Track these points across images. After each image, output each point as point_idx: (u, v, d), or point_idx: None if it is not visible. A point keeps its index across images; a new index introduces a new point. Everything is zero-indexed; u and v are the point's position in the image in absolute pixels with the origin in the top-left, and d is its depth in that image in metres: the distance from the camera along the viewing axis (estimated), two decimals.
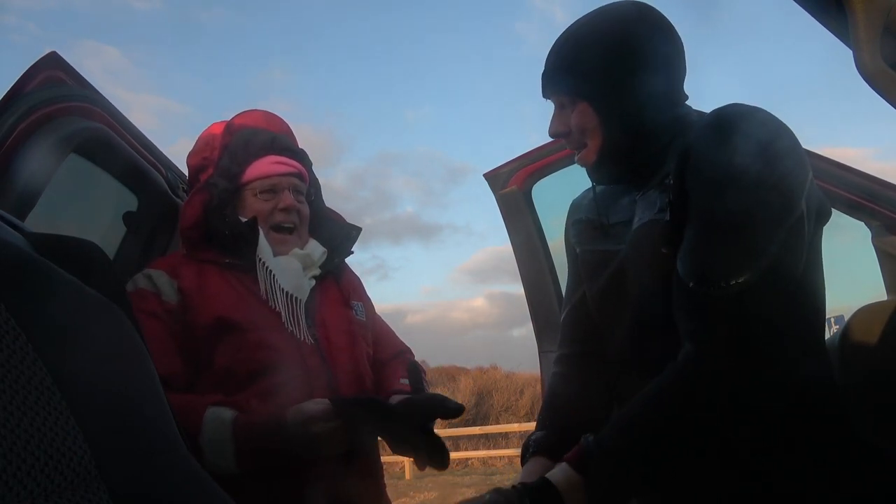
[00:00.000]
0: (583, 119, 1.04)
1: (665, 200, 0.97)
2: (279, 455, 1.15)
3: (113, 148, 1.55)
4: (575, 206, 1.26)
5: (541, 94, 1.11)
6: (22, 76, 1.31)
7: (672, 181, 0.96)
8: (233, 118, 1.46)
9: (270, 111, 1.51)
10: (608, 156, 1.05)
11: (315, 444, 1.15)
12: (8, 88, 1.29)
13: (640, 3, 1.05)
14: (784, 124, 0.94)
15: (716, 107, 1.06)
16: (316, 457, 1.17)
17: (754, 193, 0.88)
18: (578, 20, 1.07)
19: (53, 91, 1.35)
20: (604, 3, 1.08)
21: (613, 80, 1.00)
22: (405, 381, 1.39)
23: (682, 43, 1.05)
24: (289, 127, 1.52)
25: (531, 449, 1.14)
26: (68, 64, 1.42)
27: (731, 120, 0.93)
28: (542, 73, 1.09)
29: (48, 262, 0.50)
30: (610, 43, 1.01)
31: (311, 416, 1.15)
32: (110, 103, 1.55)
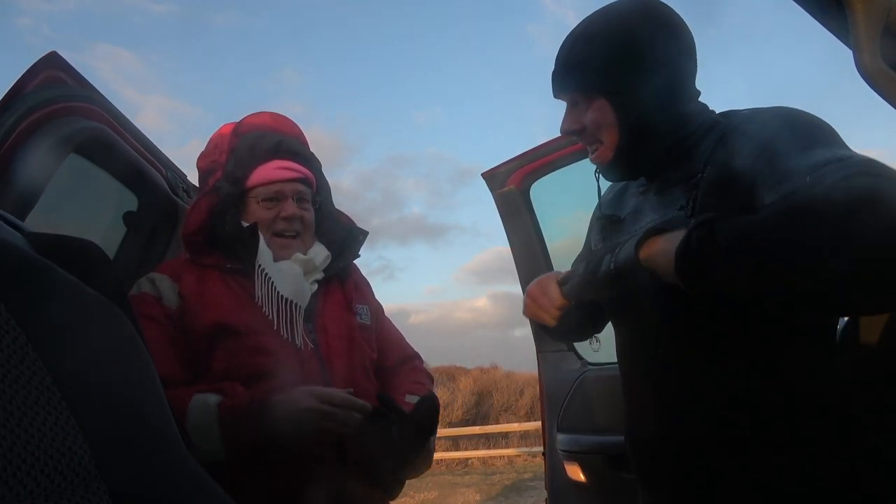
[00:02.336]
0: (599, 115, 1.03)
1: (689, 198, 0.97)
2: (265, 439, 1.14)
3: (113, 148, 1.55)
4: (598, 205, 1.26)
5: (552, 94, 1.10)
6: (22, 76, 1.31)
7: (705, 178, 0.96)
8: (241, 120, 1.46)
9: (281, 113, 1.49)
10: (625, 152, 1.05)
11: (300, 431, 1.15)
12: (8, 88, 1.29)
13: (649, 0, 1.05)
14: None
15: (720, 109, 1.07)
16: (302, 444, 1.17)
17: (823, 137, 0.87)
18: (588, 18, 1.06)
19: (53, 91, 1.35)
20: (612, 2, 1.07)
21: (629, 74, 1.00)
22: (411, 399, 1.39)
23: (692, 39, 1.05)
24: (299, 129, 1.50)
25: None
26: (68, 64, 1.42)
27: (777, 113, 0.95)
28: (554, 72, 1.08)
29: (48, 262, 0.50)
30: (624, 38, 1.01)
31: (304, 409, 1.14)
32: (110, 103, 1.55)
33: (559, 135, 1.14)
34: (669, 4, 1.05)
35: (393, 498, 1.35)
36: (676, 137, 1.03)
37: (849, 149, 0.86)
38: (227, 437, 1.13)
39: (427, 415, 1.27)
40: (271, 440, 1.14)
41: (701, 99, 1.07)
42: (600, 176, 1.17)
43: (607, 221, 1.18)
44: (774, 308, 0.86)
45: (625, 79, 1.00)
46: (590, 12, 1.08)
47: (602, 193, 1.24)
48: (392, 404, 1.27)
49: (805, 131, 0.89)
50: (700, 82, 1.07)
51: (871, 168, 0.75)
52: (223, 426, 1.13)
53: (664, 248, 0.87)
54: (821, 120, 0.92)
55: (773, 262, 0.76)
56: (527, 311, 1.19)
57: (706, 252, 0.79)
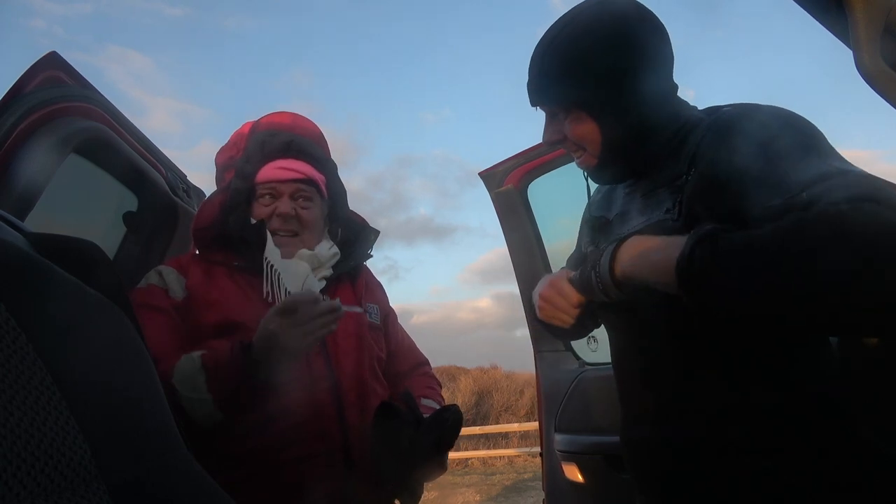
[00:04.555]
0: (579, 126, 1.03)
1: (675, 200, 0.96)
2: (252, 379, 1.13)
3: (113, 148, 1.55)
4: (588, 204, 1.26)
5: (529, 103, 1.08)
6: (22, 76, 1.31)
7: (689, 180, 0.95)
8: (261, 118, 1.47)
9: (301, 114, 1.51)
10: (609, 159, 1.05)
11: (283, 354, 1.13)
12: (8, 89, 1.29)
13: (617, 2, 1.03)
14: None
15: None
16: (286, 376, 1.16)
17: (810, 138, 0.86)
18: (558, 26, 1.03)
19: (53, 91, 1.35)
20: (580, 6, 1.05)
21: (607, 84, 0.98)
22: (427, 402, 1.40)
23: (665, 32, 1.03)
24: (316, 130, 1.51)
25: None
26: (68, 64, 1.42)
27: (761, 114, 0.93)
28: (528, 83, 1.07)
29: (48, 262, 0.50)
30: (599, 47, 0.98)
31: (264, 321, 1.14)
32: (110, 103, 1.55)
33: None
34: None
35: None
36: (660, 138, 1.02)
37: (843, 159, 0.85)
38: (212, 381, 1.12)
39: (452, 427, 1.26)
40: (259, 378, 1.13)
41: (702, 99, 1.07)
42: (588, 177, 1.17)
43: (596, 223, 1.17)
44: (771, 324, 0.85)
45: (602, 90, 0.99)
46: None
47: (592, 193, 1.23)
48: (414, 406, 1.27)
49: (802, 136, 0.88)
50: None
51: (875, 192, 0.74)
52: (208, 374, 1.12)
53: (648, 257, 0.88)
54: (812, 125, 0.91)
55: (780, 282, 0.74)
56: (542, 314, 1.14)
57: (710, 269, 0.78)
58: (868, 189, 0.74)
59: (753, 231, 0.78)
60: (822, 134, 0.90)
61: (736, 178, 0.88)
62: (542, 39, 1.05)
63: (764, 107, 0.95)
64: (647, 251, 0.90)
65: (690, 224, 0.92)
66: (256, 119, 1.48)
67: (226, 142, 1.52)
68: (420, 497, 1.31)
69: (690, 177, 0.95)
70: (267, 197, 1.38)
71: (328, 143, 1.54)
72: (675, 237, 0.86)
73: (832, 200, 0.74)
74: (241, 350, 1.13)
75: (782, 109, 0.93)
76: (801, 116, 0.92)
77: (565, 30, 1.02)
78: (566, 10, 1.06)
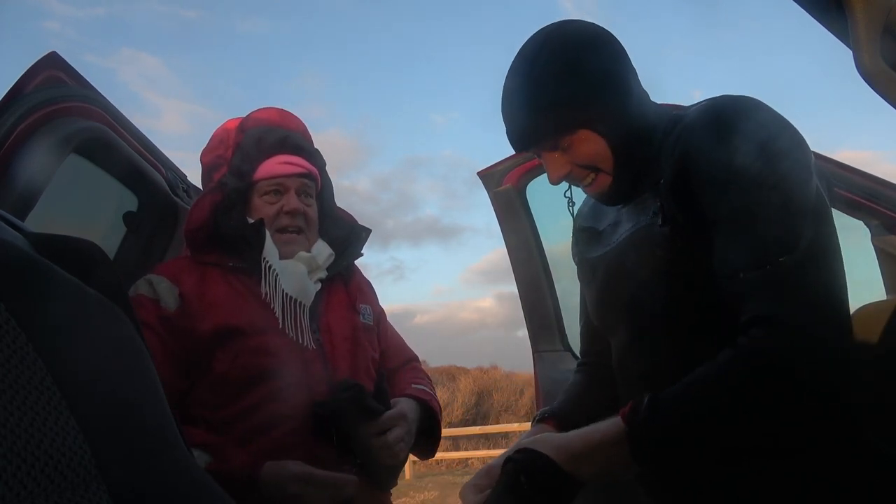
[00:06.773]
0: (585, 146, 1.00)
1: (658, 204, 0.96)
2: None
3: (113, 148, 1.55)
4: (576, 216, 1.25)
5: (515, 150, 1.07)
6: (22, 76, 1.31)
7: (665, 183, 0.95)
8: (248, 115, 1.45)
9: (298, 115, 1.50)
10: (622, 172, 1.02)
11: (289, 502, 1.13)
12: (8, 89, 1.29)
13: (568, 20, 1.04)
14: (772, 109, 0.94)
15: None
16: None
17: (772, 176, 0.86)
18: (527, 56, 1.02)
19: (53, 91, 1.35)
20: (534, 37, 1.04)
21: (595, 95, 0.98)
22: (418, 387, 1.40)
23: (620, 43, 1.04)
24: (304, 125, 1.50)
25: (537, 417, 1.17)
26: (68, 64, 1.42)
27: (724, 113, 0.93)
28: (513, 129, 1.03)
29: (48, 262, 0.50)
30: (574, 63, 0.98)
31: (289, 477, 1.13)
32: (110, 103, 1.55)
33: None
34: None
35: (387, 488, 1.35)
36: (653, 142, 1.02)
37: (797, 170, 0.88)
38: None
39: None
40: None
41: (702, 99, 1.07)
42: (571, 191, 1.16)
43: (586, 234, 1.17)
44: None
45: (594, 101, 0.98)
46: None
47: (576, 206, 1.23)
48: (380, 381, 1.29)
49: (764, 140, 0.88)
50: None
51: (789, 299, 0.82)
52: None
53: (589, 449, 0.93)
54: (779, 119, 0.92)
55: (703, 439, 0.86)
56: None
57: (661, 446, 0.87)
58: (787, 292, 0.82)
59: (681, 398, 0.86)
60: (789, 129, 0.92)
61: (698, 179, 0.90)
62: (512, 78, 1.03)
63: (722, 104, 0.95)
64: (587, 446, 0.94)
65: (674, 227, 0.93)
66: (241, 117, 1.46)
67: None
68: (389, 476, 1.31)
69: (665, 179, 0.96)
70: (272, 193, 1.36)
71: (339, 144, 1.53)
72: (596, 428, 0.93)
73: (748, 321, 0.84)
74: (245, 484, 1.12)
75: (746, 104, 0.93)
76: (773, 115, 0.92)
77: (540, 58, 1.00)
78: (577, 14, 1.06)
